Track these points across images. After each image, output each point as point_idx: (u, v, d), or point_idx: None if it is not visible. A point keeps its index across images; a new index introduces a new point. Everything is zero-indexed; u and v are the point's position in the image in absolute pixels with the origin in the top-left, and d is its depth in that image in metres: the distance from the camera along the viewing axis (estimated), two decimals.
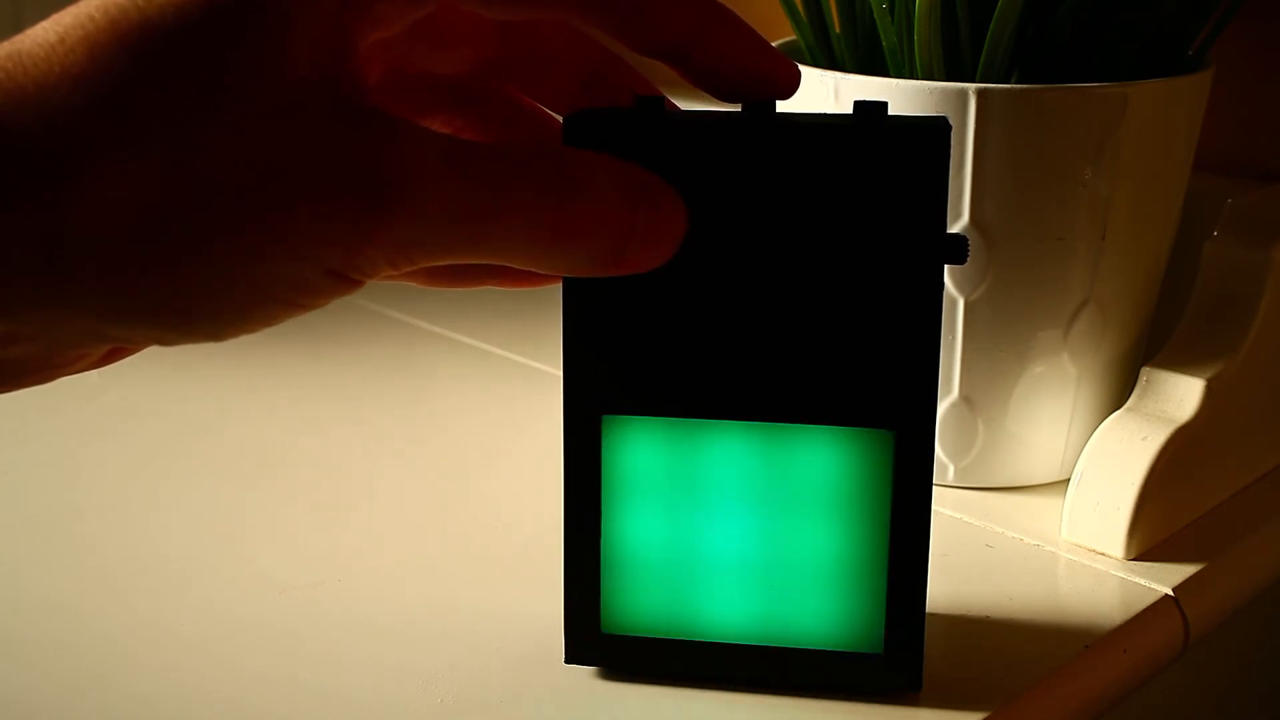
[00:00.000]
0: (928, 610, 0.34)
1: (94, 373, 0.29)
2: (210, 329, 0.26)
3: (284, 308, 0.26)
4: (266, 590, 0.40)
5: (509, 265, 0.28)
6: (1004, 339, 0.44)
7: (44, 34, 0.25)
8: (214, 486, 0.47)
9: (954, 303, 0.43)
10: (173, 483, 0.48)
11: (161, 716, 0.34)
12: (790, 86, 0.32)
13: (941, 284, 0.32)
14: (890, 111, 0.32)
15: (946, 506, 0.45)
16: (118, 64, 0.25)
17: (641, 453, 0.34)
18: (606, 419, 0.34)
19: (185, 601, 0.39)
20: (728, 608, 0.34)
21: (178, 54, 0.25)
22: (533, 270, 0.29)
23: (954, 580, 0.40)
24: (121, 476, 0.48)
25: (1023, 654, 0.37)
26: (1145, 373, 0.43)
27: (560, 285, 0.33)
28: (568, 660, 0.35)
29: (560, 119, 0.32)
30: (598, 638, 0.35)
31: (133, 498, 0.47)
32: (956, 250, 0.31)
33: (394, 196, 0.25)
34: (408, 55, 0.32)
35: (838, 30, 0.46)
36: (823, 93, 0.43)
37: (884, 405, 0.32)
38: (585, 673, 0.36)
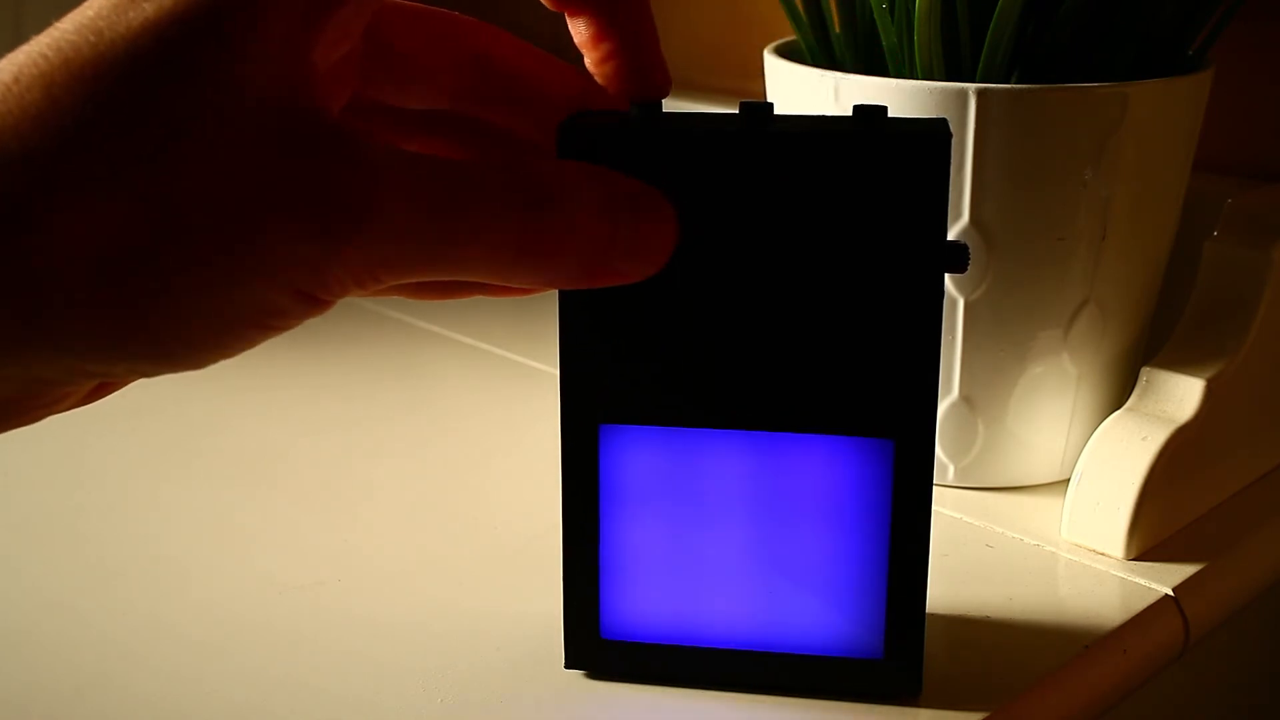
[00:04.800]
0: (928, 610, 0.34)
1: None
2: (187, 358, 0.26)
3: (257, 331, 0.26)
4: (267, 590, 0.40)
5: (484, 282, 0.28)
6: (1004, 339, 0.44)
7: None
8: (215, 486, 0.47)
9: (954, 303, 0.43)
10: (173, 483, 0.48)
11: (161, 716, 0.34)
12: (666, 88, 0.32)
13: (941, 292, 0.32)
14: (890, 113, 0.31)
15: (946, 506, 0.45)
16: (75, 103, 0.24)
17: (639, 462, 0.34)
18: (604, 428, 0.33)
19: (185, 601, 0.40)
20: (727, 614, 0.34)
21: (134, 91, 0.24)
22: (509, 285, 0.28)
23: (954, 580, 0.40)
24: (121, 476, 0.48)
25: (1023, 654, 0.37)
26: (1145, 373, 0.43)
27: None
28: (567, 666, 0.35)
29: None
30: (597, 644, 0.35)
31: (133, 498, 0.47)
32: (956, 258, 0.31)
33: (354, 216, 0.25)
34: (376, 88, 0.31)
35: (838, 30, 0.46)
36: (823, 92, 0.43)
37: (883, 414, 0.32)
38: (585, 673, 0.36)
